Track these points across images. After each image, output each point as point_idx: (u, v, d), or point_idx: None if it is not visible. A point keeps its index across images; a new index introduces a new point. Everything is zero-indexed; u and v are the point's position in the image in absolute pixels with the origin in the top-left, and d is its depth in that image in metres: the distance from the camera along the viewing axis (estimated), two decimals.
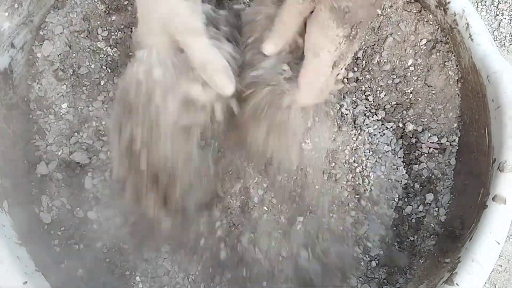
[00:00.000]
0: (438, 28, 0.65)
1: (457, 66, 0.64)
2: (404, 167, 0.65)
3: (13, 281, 0.46)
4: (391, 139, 0.66)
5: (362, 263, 0.61)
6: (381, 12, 0.65)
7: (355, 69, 0.67)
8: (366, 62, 0.66)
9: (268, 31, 0.49)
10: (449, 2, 0.60)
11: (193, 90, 0.48)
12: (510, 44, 0.95)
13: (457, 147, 0.64)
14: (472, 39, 0.59)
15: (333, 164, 0.64)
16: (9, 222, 0.52)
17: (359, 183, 0.64)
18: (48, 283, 0.51)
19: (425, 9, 0.65)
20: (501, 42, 0.96)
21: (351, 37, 0.45)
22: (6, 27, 0.56)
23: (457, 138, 0.64)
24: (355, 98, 0.67)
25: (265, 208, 0.62)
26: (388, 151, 0.66)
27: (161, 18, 0.45)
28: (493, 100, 0.56)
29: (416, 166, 0.65)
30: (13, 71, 0.59)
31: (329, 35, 0.45)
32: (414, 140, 0.66)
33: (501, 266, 0.81)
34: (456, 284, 0.48)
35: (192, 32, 0.46)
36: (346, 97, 0.67)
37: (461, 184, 0.59)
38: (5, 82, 0.57)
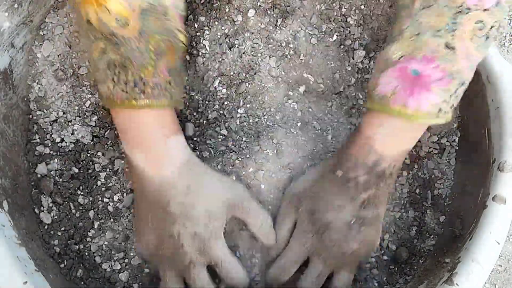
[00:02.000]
0: None
1: None
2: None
3: (13, 281, 0.46)
4: None
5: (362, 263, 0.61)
6: (381, 12, 0.65)
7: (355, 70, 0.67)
8: (366, 62, 0.66)
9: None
10: None
11: None
12: (510, 44, 0.95)
13: (457, 147, 0.64)
14: None
15: None
16: (9, 222, 0.52)
17: None
18: (48, 283, 0.51)
19: None
20: (501, 42, 0.96)
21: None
22: (6, 27, 0.56)
23: (457, 138, 0.64)
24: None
25: None
26: None
27: (229, 201, 0.54)
28: (493, 100, 0.56)
29: (416, 166, 0.65)
30: (13, 71, 0.59)
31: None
32: None
33: (501, 266, 0.81)
34: (456, 284, 0.48)
35: (254, 209, 0.55)
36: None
37: (461, 184, 0.59)
38: (5, 82, 0.57)
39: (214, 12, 0.63)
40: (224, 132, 0.61)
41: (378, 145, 0.50)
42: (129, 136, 0.51)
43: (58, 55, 0.64)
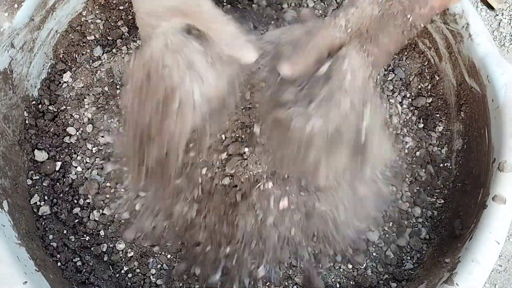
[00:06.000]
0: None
1: (457, 66, 0.64)
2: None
3: (13, 281, 0.46)
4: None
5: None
6: None
7: None
8: None
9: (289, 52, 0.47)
10: None
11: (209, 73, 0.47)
12: (510, 44, 0.95)
13: (457, 147, 0.64)
14: (472, 39, 0.59)
15: None
16: (9, 222, 0.52)
17: None
18: (48, 283, 0.51)
19: None
20: (501, 42, 0.96)
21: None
22: (6, 27, 0.56)
23: (457, 138, 0.64)
24: None
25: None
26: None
27: (173, 4, 0.45)
28: (493, 100, 0.56)
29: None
30: (13, 71, 0.59)
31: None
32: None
33: (501, 266, 0.81)
34: (456, 284, 0.48)
35: (209, 14, 0.46)
36: None
37: (461, 184, 0.59)
38: (5, 82, 0.57)
39: None
40: None
41: None
42: None
43: None
